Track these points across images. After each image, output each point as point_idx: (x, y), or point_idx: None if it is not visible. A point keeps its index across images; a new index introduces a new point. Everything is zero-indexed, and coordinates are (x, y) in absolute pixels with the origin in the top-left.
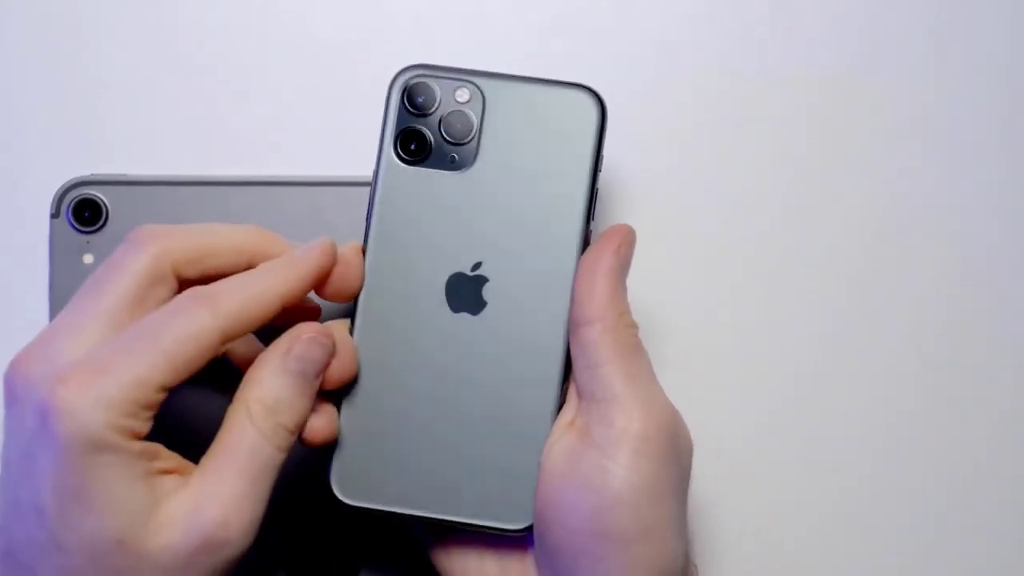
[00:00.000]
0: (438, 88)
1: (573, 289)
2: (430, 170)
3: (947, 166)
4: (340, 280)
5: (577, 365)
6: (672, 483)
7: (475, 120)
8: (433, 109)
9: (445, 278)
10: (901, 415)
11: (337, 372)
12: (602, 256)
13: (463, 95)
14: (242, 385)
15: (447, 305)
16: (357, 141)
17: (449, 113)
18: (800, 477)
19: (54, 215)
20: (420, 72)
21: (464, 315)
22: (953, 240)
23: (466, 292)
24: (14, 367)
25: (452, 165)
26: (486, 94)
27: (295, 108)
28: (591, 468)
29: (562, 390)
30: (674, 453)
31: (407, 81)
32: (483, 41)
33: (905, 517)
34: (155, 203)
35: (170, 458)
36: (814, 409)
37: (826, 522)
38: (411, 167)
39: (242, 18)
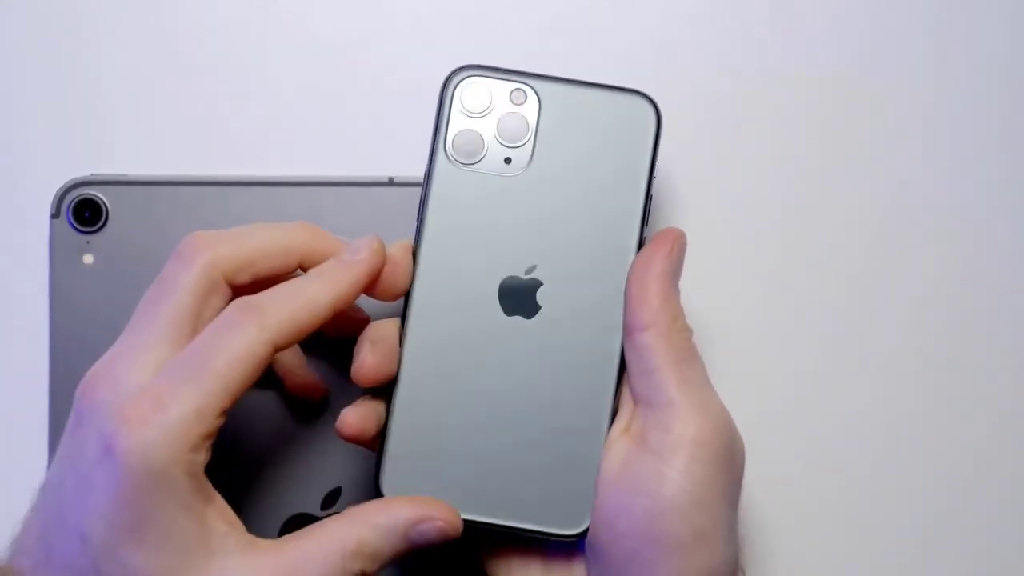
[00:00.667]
0: (493, 90)
1: (626, 294)
2: (484, 173)
3: (947, 166)
4: (388, 280)
5: (631, 370)
6: (725, 488)
7: (531, 123)
8: (488, 111)
9: (498, 281)
10: (901, 415)
11: (374, 370)
12: (654, 260)
13: (519, 97)
14: (360, 509)
15: (500, 308)
16: (357, 141)
17: (504, 115)
18: (800, 477)
19: (54, 215)
20: (475, 73)
21: (517, 319)
22: (953, 240)
23: (519, 296)
24: (84, 391)
25: (507, 168)
26: (542, 97)
27: (295, 108)
28: (646, 473)
29: (617, 394)
30: (729, 458)
31: (462, 81)
32: (483, 41)
33: (905, 517)
34: (155, 203)
35: (224, 507)
36: (814, 409)
37: (826, 522)
38: (465, 169)
39: (242, 18)
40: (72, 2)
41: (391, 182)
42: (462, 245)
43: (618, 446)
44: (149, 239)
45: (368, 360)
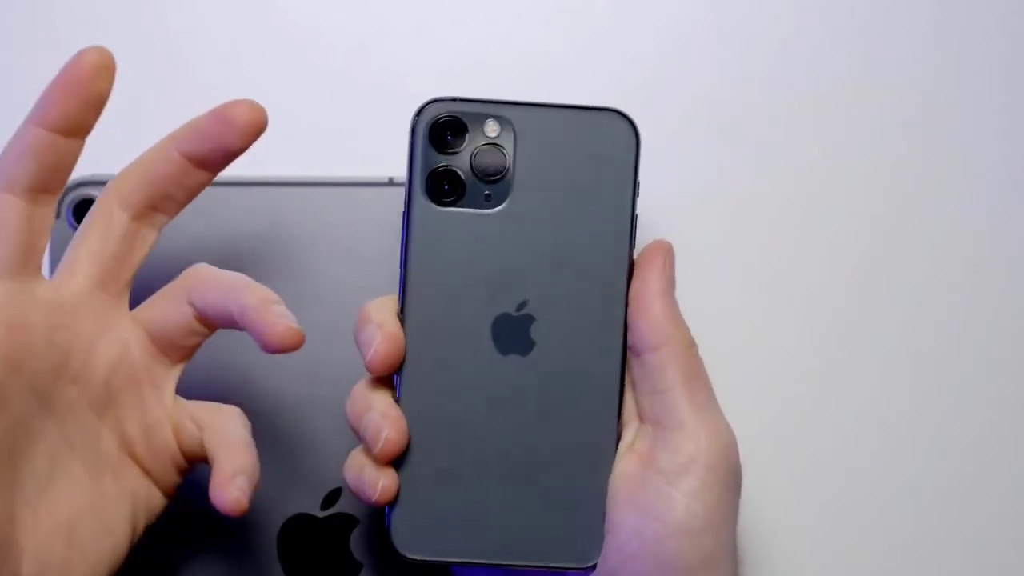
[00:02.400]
0: (466, 122)
1: (629, 316)
2: (464, 210)
3: (947, 166)
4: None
5: (640, 390)
6: (731, 510)
7: (508, 154)
8: (463, 146)
9: (490, 321)
10: (901, 416)
11: (390, 356)
12: (651, 278)
13: (493, 128)
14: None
15: (495, 349)
16: (357, 141)
17: (480, 149)
18: (801, 477)
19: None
20: (446, 106)
21: (513, 357)
22: (953, 240)
23: (513, 333)
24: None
25: (487, 203)
26: (516, 125)
27: (295, 108)
28: (655, 495)
29: (619, 419)
30: (735, 481)
31: (433, 117)
32: (482, 41)
33: (906, 518)
34: None
35: None
36: (814, 410)
37: (826, 523)
38: (444, 209)
39: (242, 19)
40: (71, 2)
41: (391, 182)
42: (450, 288)
43: (624, 465)
44: None
45: (382, 348)
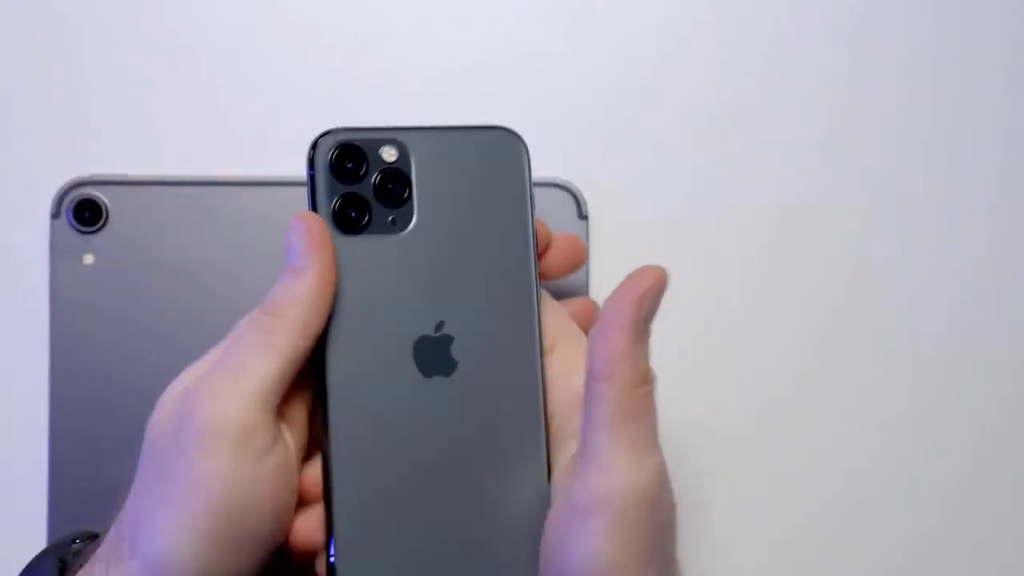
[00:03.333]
0: (364, 149)
1: (589, 339)
2: (372, 236)
3: (947, 166)
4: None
5: (583, 415)
6: (649, 551)
7: (407, 177)
8: (363, 173)
9: (411, 344)
10: (901, 416)
11: (311, 538)
12: (622, 306)
13: (390, 154)
14: None
15: (419, 372)
16: None
17: (381, 174)
18: (801, 477)
19: (54, 215)
20: (342, 136)
21: (438, 379)
22: (953, 240)
23: (435, 354)
24: None
25: (393, 227)
26: (411, 149)
27: (295, 108)
28: (566, 530)
29: (547, 434)
30: (653, 522)
31: (332, 147)
32: (482, 41)
33: (906, 518)
34: (155, 203)
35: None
36: (814, 410)
37: (826, 523)
38: (352, 237)
39: (242, 19)
40: (72, 3)
41: None
42: (366, 316)
43: (555, 488)
44: (149, 239)
45: (302, 528)
